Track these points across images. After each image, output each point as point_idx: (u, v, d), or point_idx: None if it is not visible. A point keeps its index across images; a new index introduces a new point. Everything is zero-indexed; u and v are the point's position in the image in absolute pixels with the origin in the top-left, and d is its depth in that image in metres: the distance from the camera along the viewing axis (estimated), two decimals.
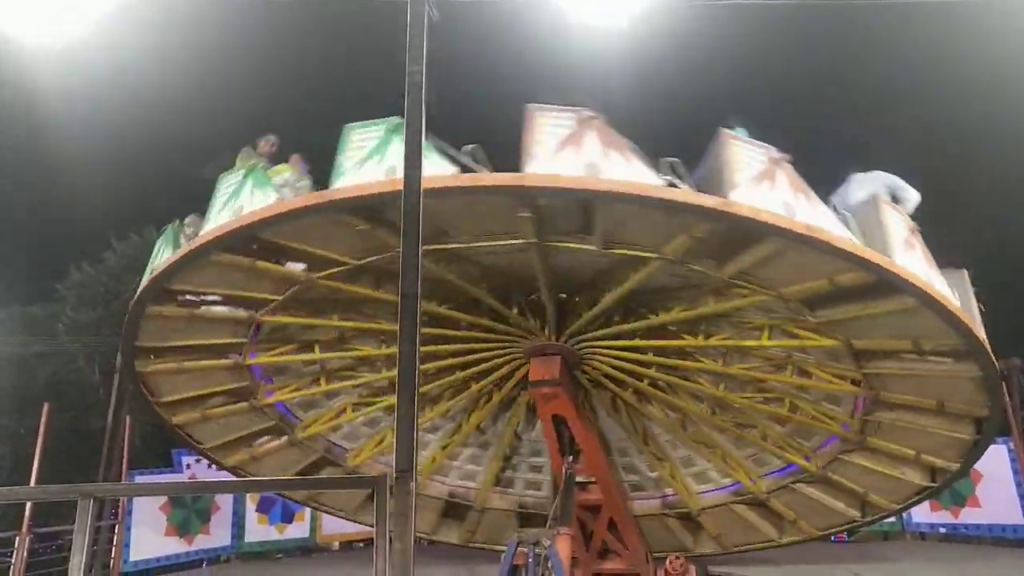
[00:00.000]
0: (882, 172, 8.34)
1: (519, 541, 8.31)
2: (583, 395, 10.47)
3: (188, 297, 9.31)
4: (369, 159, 7.14)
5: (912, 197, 8.14)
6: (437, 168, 6.70)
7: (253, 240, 7.76)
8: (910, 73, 25.71)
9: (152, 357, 9.57)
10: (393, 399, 10.72)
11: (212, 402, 10.32)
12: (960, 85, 23.62)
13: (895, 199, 7.88)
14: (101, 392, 19.24)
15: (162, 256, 8.43)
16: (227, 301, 9.16)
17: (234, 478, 14.32)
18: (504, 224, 7.15)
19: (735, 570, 11.53)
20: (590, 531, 10.26)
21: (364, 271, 8.37)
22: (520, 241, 7.31)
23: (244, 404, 10.34)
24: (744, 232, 6.71)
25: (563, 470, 9.51)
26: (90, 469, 16.21)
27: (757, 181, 6.62)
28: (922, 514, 15.38)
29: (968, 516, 15.09)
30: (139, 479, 14.85)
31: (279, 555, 16.19)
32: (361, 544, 17.15)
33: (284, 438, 10.95)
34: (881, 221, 7.09)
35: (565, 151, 6.51)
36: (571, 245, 7.42)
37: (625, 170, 6.49)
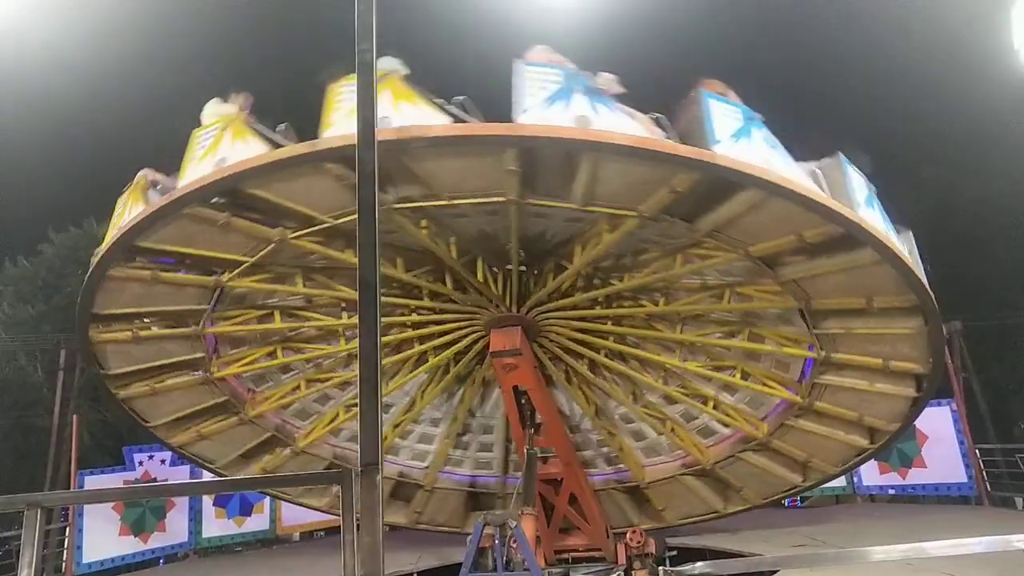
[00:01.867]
0: None
1: (485, 523, 8.35)
2: (561, 365, 10.61)
3: (154, 259, 9.02)
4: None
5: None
6: (428, 118, 6.76)
7: (233, 193, 7.55)
8: (864, 37, 26.19)
9: (107, 325, 9.33)
10: (347, 375, 10.79)
11: (163, 375, 10.10)
12: (912, 49, 24.16)
13: None
14: (45, 390, 18.61)
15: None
16: (193, 263, 8.86)
17: (190, 480, 14.16)
18: (489, 181, 7.19)
19: (693, 541, 11.75)
20: (551, 506, 10.35)
21: (337, 233, 8.27)
22: (500, 199, 7.38)
23: (196, 377, 10.16)
24: (556, 155, 6.85)
25: (525, 443, 9.60)
26: (37, 470, 15.72)
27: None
28: (871, 476, 15.86)
29: (915, 477, 15.62)
30: (89, 479, 14.37)
31: (239, 548, 15.94)
32: (322, 533, 16.99)
33: (234, 416, 10.73)
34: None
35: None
36: (549, 203, 7.54)
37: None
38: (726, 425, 10.95)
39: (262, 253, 8.38)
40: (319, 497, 12.45)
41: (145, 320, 9.39)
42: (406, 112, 6.70)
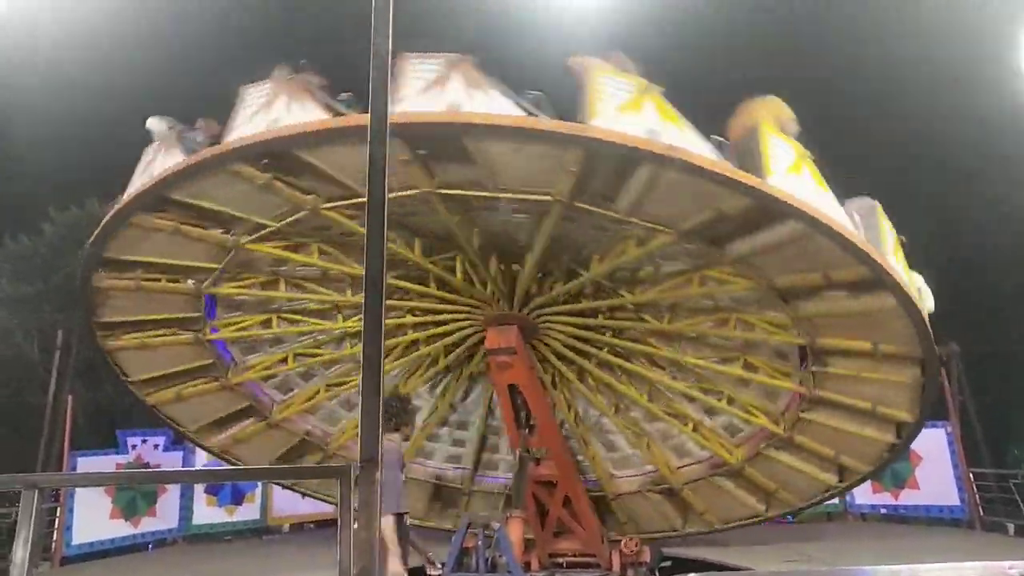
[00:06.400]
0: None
1: (469, 523, 8.32)
2: (549, 367, 10.57)
3: (133, 270, 9.05)
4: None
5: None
6: (500, 108, 6.74)
7: (166, 202, 7.68)
8: (869, 60, 26.20)
9: (111, 271, 9.19)
10: (336, 354, 10.80)
11: (183, 381, 10.15)
12: (917, 71, 24.15)
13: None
14: (41, 369, 18.59)
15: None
16: (172, 271, 8.87)
17: (185, 468, 14.15)
18: (543, 179, 7.19)
19: (687, 552, 11.73)
20: (546, 509, 10.31)
21: (295, 235, 8.28)
22: (415, 191, 7.41)
23: (186, 337, 10.08)
24: (617, 162, 6.84)
25: (518, 444, 9.57)
26: (29, 448, 15.69)
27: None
28: (864, 496, 15.85)
29: (907, 498, 15.61)
30: (82, 460, 14.34)
31: (228, 537, 15.90)
32: (312, 526, 16.99)
33: (215, 381, 10.64)
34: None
35: (431, 92, 6.66)
36: (467, 192, 7.59)
37: (489, 106, 6.69)
38: (702, 448, 10.89)
39: (289, 220, 8.30)
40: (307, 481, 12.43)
41: (151, 272, 9.23)
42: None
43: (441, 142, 6.89)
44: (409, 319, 10.09)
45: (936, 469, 15.37)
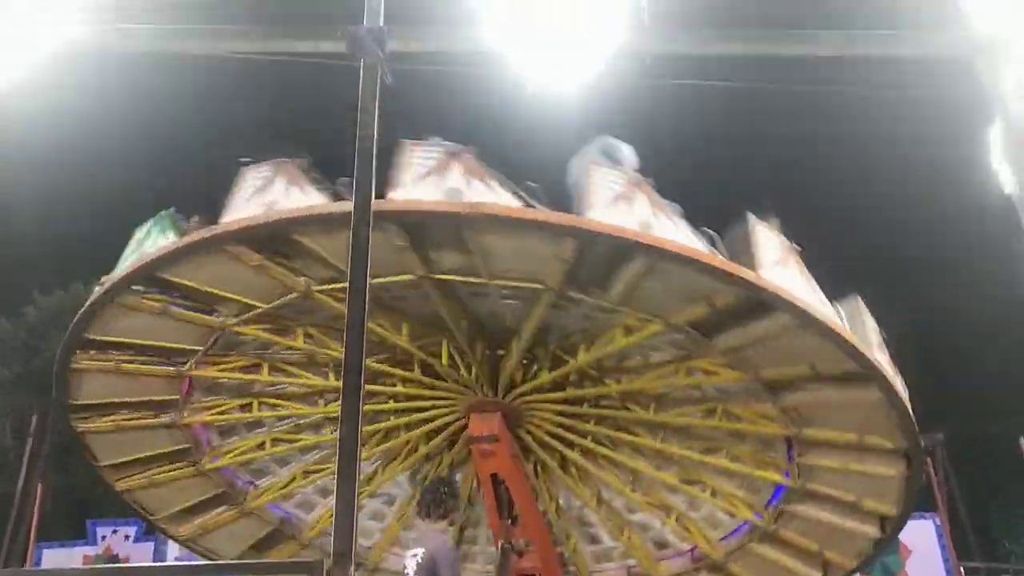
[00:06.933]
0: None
1: None
2: (531, 456, 10.35)
3: (112, 351, 8.99)
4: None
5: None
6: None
7: (156, 283, 7.69)
8: (848, 153, 27.25)
9: (88, 415, 9.17)
10: (314, 439, 10.51)
11: (156, 466, 9.85)
12: (896, 165, 25.11)
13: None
14: (12, 455, 18.11)
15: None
16: (153, 352, 8.80)
17: (150, 564, 13.61)
18: (392, 261, 7.17)
19: None
20: None
21: (280, 319, 8.27)
22: (409, 276, 7.37)
23: (190, 469, 9.87)
24: (611, 253, 6.83)
25: (500, 535, 9.31)
26: None
27: (615, 203, 6.83)
28: None
29: None
30: (48, 552, 13.84)
31: None
32: None
33: (235, 508, 10.40)
34: (751, 242, 7.14)
35: (430, 179, 6.77)
36: (460, 279, 7.53)
37: (489, 196, 6.74)
38: (684, 539, 10.60)
39: (279, 302, 8.24)
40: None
41: (131, 353, 9.02)
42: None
43: (438, 229, 6.93)
44: (391, 405, 9.96)
45: (926, 563, 15.05)
